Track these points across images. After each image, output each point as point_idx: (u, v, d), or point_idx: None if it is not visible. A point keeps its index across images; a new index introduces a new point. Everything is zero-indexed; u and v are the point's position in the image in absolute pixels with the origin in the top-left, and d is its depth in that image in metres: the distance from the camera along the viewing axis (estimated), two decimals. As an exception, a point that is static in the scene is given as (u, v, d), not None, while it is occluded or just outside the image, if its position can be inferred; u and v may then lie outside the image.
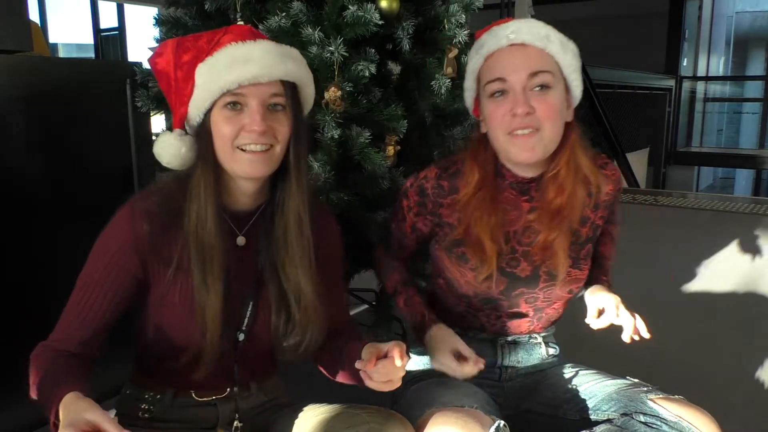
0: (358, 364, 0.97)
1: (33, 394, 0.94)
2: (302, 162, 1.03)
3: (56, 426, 0.82)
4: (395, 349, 0.93)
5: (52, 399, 0.85)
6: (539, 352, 1.28)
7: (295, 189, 1.03)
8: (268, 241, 1.05)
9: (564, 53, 1.10)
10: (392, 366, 0.94)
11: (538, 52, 1.08)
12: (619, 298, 1.17)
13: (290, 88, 1.00)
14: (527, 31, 1.09)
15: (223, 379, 1.08)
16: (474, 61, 1.15)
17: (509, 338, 1.26)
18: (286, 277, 1.04)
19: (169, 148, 1.03)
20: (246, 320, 1.05)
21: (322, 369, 1.17)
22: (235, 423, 1.09)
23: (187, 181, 1.01)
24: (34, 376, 0.95)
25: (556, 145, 1.11)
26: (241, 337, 1.06)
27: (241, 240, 1.06)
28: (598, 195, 1.20)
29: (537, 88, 1.07)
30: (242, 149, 0.97)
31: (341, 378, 1.12)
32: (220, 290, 0.99)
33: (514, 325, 1.24)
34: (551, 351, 1.30)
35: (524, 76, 1.07)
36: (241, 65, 0.95)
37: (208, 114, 0.99)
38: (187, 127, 1.03)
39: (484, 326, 1.24)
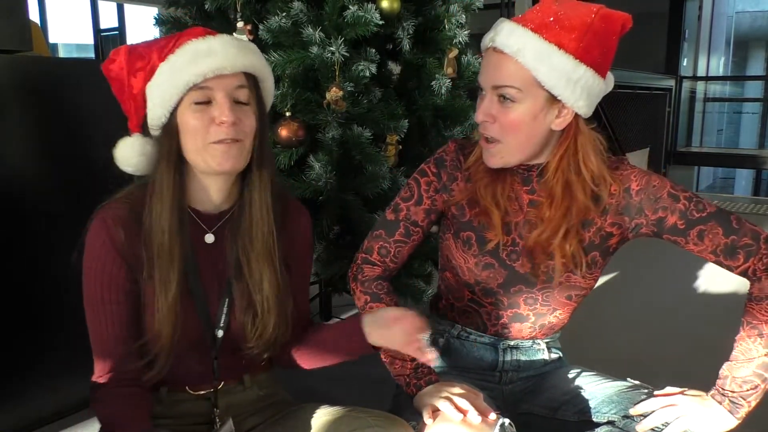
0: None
1: None
2: (266, 157, 1.05)
3: None
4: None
5: None
6: (541, 357, 1.28)
7: (258, 184, 1.04)
8: (234, 237, 1.06)
9: (539, 65, 1.03)
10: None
11: (510, 63, 1.05)
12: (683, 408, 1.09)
13: (253, 82, 1.02)
14: (505, 35, 1.05)
15: (213, 374, 1.08)
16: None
17: (511, 343, 1.25)
18: (250, 273, 1.05)
19: (132, 151, 1.03)
20: (223, 317, 1.06)
21: (298, 363, 1.17)
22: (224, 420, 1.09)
23: (151, 185, 1.01)
24: (105, 426, 1.00)
25: (529, 153, 1.11)
26: (220, 333, 1.06)
27: (209, 237, 1.06)
28: (601, 197, 1.14)
29: (501, 98, 1.07)
30: (214, 143, 0.97)
31: (324, 360, 1.13)
32: (176, 290, 0.99)
33: (515, 328, 1.23)
34: (553, 356, 1.29)
35: (489, 87, 1.08)
36: (205, 57, 0.96)
37: (174, 112, 0.98)
38: (150, 129, 1.02)
39: (485, 325, 1.24)
